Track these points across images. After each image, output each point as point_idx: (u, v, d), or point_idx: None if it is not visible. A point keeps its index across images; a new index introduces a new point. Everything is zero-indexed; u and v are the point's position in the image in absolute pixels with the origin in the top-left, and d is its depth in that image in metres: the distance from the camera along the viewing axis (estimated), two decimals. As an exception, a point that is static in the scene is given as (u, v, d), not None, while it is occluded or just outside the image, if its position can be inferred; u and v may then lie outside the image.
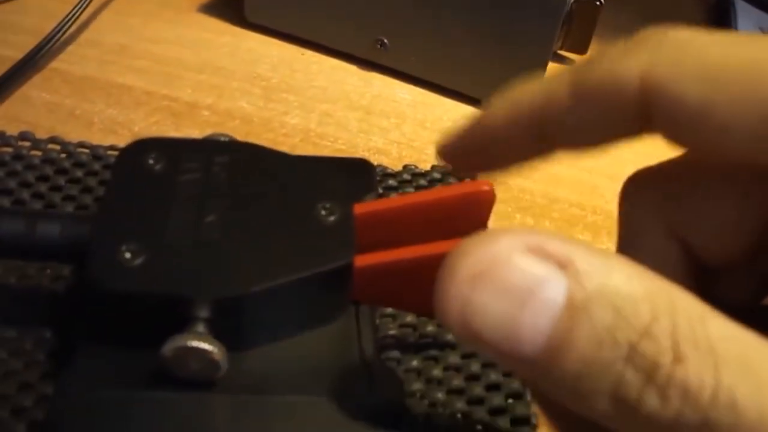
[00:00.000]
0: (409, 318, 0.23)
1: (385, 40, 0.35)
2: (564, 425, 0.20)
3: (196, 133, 0.31)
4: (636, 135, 0.19)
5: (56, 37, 0.33)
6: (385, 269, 0.19)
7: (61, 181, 0.26)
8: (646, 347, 0.13)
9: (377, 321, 0.22)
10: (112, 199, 0.20)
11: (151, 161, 0.21)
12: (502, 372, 0.22)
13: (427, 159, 0.31)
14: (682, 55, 0.17)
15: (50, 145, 0.27)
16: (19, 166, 0.26)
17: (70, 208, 0.25)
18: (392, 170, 0.29)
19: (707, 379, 0.13)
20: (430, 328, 0.23)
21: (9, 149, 0.27)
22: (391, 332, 0.23)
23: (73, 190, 0.26)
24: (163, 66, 0.34)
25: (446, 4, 0.33)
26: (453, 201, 0.20)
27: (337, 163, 0.23)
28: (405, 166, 0.29)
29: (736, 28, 0.42)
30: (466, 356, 0.22)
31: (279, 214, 0.20)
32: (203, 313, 0.18)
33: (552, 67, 0.34)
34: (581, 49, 0.37)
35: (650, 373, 0.13)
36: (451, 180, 0.29)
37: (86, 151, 0.27)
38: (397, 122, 0.33)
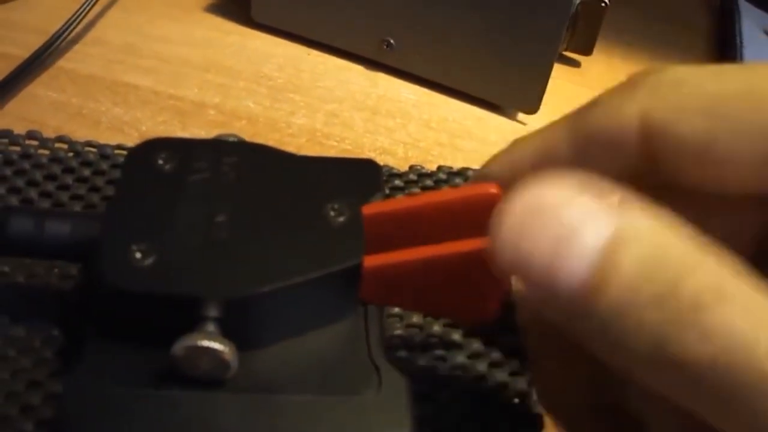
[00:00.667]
0: (416, 318, 0.23)
1: (391, 41, 0.35)
2: (563, 416, 0.20)
3: (202, 132, 0.31)
4: (639, 178, 0.18)
5: (63, 36, 0.33)
6: (393, 270, 0.19)
7: (69, 179, 0.26)
8: (690, 284, 0.13)
9: (384, 322, 0.22)
10: (121, 198, 0.20)
11: (160, 161, 0.21)
12: (509, 371, 0.22)
13: (432, 159, 0.31)
14: (679, 92, 0.17)
15: (57, 144, 0.27)
16: (26, 165, 0.26)
17: (77, 206, 0.25)
18: (398, 170, 0.29)
19: (747, 326, 0.13)
20: (436, 329, 0.23)
21: (17, 148, 0.27)
22: (398, 332, 0.23)
23: (81, 189, 0.26)
24: (170, 65, 0.34)
25: (452, 4, 0.33)
26: (460, 203, 0.20)
27: (345, 163, 0.23)
28: (411, 167, 0.29)
29: (740, 29, 0.42)
30: (472, 356, 0.23)
31: (288, 214, 0.20)
32: (213, 312, 0.18)
33: (557, 67, 0.34)
34: (586, 50, 0.38)
35: (691, 311, 0.13)
36: (458, 181, 0.29)
37: (93, 150, 0.27)
38: (403, 122, 0.33)
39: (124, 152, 0.27)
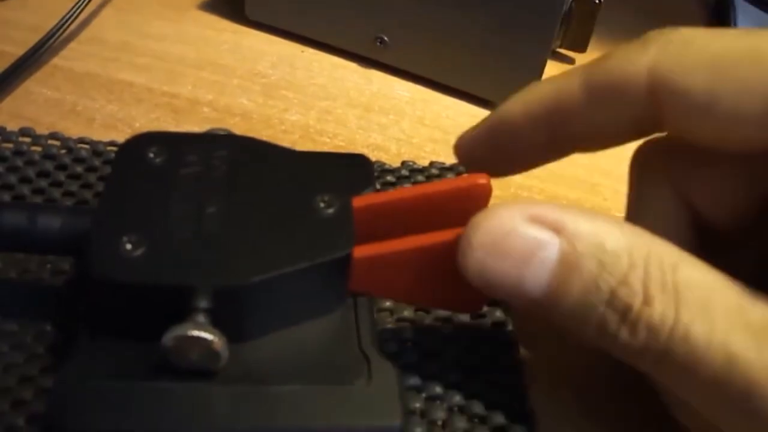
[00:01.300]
0: (407, 312, 0.23)
1: (385, 38, 0.35)
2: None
3: (196, 129, 0.31)
4: (646, 130, 0.19)
5: (58, 34, 0.33)
6: (383, 260, 0.19)
7: (62, 176, 0.26)
8: (622, 292, 0.16)
9: (375, 315, 0.22)
10: (113, 191, 0.20)
11: (151, 154, 0.21)
12: (500, 366, 0.22)
13: (425, 155, 0.31)
14: (687, 49, 0.18)
15: (50, 141, 0.27)
16: (19, 162, 0.26)
17: (70, 203, 0.25)
18: (390, 166, 0.29)
19: (668, 317, 0.16)
20: (427, 322, 0.23)
21: (10, 145, 0.27)
22: (389, 326, 0.23)
23: (73, 186, 0.26)
24: (164, 63, 0.34)
25: (445, 2, 0.33)
26: (450, 194, 0.20)
27: (336, 158, 0.23)
28: (403, 162, 0.30)
29: (735, 27, 0.42)
30: (463, 350, 0.23)
31: (278, 206, 0.20)
32: (204, 303, 0.18)
33: (551, 64, 0.34)
34: (580, 47, 0.38)
35: (624, 313, 0.16)
36: (449, 176, 0.29)
37: (86, 147, 0.27)
38: (396, 119, 0.34)
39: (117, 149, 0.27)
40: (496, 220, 0.17)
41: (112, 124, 0.30)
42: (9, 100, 0.31)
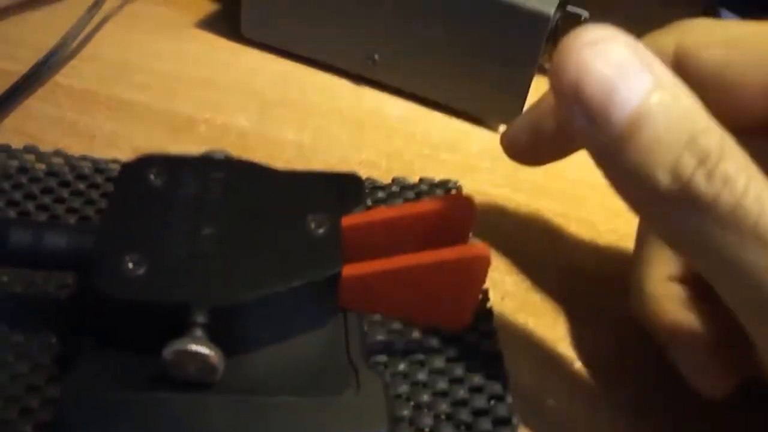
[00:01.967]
0: (396, 325, 0.24)
1: (376, 57, 0.36)
2: None
3: (193, 147, 0.31)
4: None
5: (59, 52, 0.34)
6: (371, 278, 0.20)
7: (65, 193, 0.27)
8: (703, 140, 0.17)
9: (366, 327, 0.23)
10: (115, 211, 0.21)
11: (152, 176, 0.22)
12: (485, 375, 0.23)
13: (415, 171, 0.32)
14: (707, 30, 0.21)
15: (54, 158, 0.28)
16: (24, 179, 0.27)
17: (73, 219, 0.26)
18: (381, 183, 0.30)
19: (742, 176, 0.17)
20: (416, 335, 0.24)
21: (15, 162, 0.28)
22: (380, 338, 0.24)
23: (76, 203, 0.27)
24: (163, 81, 0.35)
25: (434, 21, 0.34)
26: (435, 213, 0.21)
27: (327, 177, 0.24)
28: (394, 179, 0.30)
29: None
30: (450, 360, 0.24)
31: (271, 226, 0.21)
32: (201, 319, 0.19)
33: (538, 80, 0.35)
34: (566, 64, 0.38)
35: (702, 158, 0.17)
36: (439, 192, 0.30)
37: (89, 164, 0.28)
38: (388, 135, 0.34)
39: (118, 166, 0.28)
40: (602, 29, 0.17)
41: (113, 141, 0.31)
42: (11, 118, 0.31)
